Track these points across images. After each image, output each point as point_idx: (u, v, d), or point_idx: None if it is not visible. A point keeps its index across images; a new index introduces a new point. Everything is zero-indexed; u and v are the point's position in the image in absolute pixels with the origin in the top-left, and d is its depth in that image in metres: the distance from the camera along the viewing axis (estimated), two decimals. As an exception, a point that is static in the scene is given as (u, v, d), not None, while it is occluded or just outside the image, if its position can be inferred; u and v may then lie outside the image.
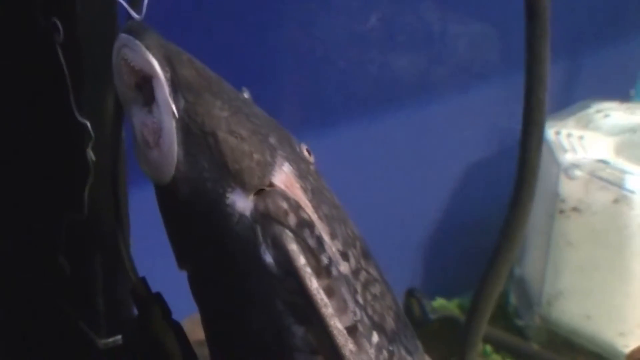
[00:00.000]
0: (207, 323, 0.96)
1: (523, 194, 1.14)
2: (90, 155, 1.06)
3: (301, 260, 0.85)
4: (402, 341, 0.97)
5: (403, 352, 0.97)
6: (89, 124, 1.04)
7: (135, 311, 1.06)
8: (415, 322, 2.08)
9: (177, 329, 1.01)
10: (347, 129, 2.01)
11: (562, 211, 2.07)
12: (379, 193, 2.13)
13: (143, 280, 1.04)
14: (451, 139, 2.28)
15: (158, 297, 1.02)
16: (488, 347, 2.21)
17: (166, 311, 1.02)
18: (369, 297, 0.93)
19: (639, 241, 1.96)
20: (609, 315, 2.08)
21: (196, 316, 0.96)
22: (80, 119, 1.04)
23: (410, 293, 2.15)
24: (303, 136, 0.97)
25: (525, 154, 1.11)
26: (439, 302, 2.40)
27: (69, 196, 1.09)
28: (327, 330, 0.84)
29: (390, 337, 0.94)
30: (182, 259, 0.93)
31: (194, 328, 1.02)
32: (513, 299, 2.40)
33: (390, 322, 0.95)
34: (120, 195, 1.08)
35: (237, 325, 0.91)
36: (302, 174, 0.91)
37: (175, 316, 1.03)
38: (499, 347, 2.21)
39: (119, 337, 1.16)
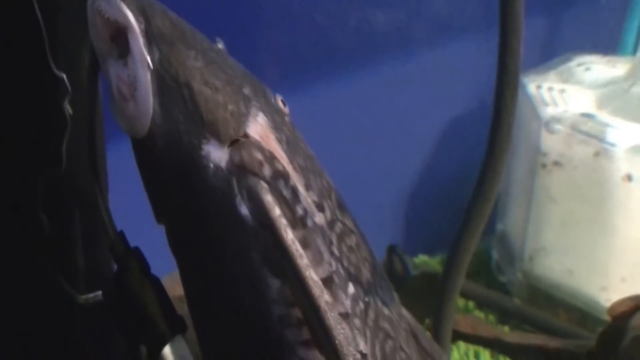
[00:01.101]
0: (185, 277, 0.96)
1: (498, 144, 1.14)
2: (67, 109, 1.05)
3: (276, 212, 0.85)
4: (377, 292, 0.97)
5: (379, 304, 0.97)
6: (65, 77, 1.03)
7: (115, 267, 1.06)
8: (397, 278, 2.08)
9: (156, 284, 1.01)
10: (324, 85, 2.00)
11: (543, 165, 2.07)
12: (358, 150, 2.13)
13: (121, 234, 1.03)
14: (431, 96, 2.27)
15: (136, 251, 1.02)
16: (470, 304, 2.21)
17: (144, 266, 1.01)
18: (344, 249, 0.93)
19: (620, 195, 1.96)
20: (591, 270, 2.09)
21: (176, 273, 0.97)
22: (56, 72, 1.03)
23: (391, 249, 2.15)
24: (280, 92, 0.97)
25: (500, 103, 1.11)
26: (421, 258, 2.40)
27: (47, 151, 1.09)
28: (303, 282, 0.84)
29: (366, 289, 0.95)
30: (160, 213, 0.93)
31: (173, 285, 1.02)
32: (495, 255, 2.40)
33: (365, 274, 0.96)
34: (98, 149, 1.08)
35: (213, 279, 0.91)
36: (276, 125, 0.90)
37: (155, 273, 1.02)
38: (481, 303, 2.22)
39: (99, 292, 1.16)
